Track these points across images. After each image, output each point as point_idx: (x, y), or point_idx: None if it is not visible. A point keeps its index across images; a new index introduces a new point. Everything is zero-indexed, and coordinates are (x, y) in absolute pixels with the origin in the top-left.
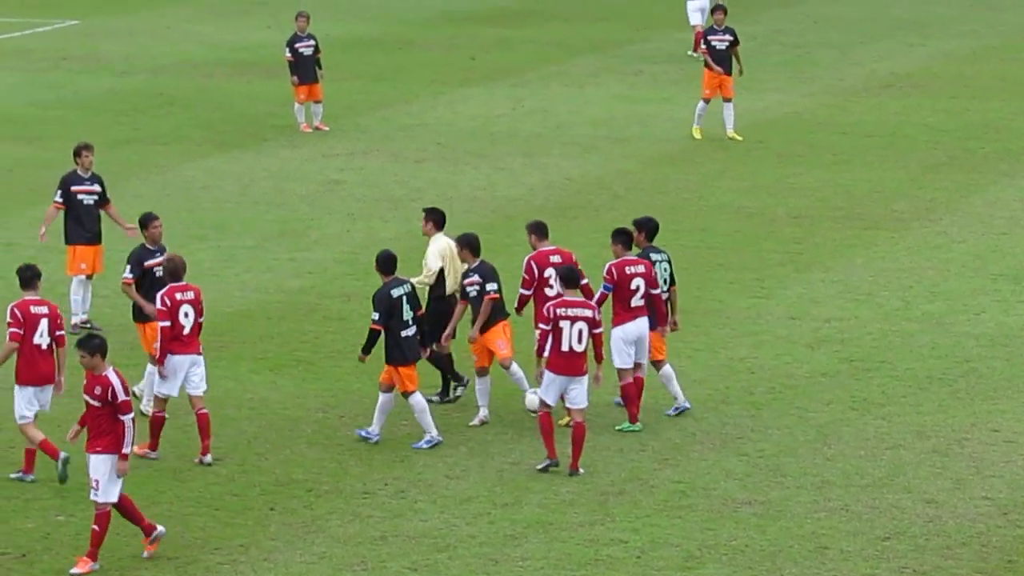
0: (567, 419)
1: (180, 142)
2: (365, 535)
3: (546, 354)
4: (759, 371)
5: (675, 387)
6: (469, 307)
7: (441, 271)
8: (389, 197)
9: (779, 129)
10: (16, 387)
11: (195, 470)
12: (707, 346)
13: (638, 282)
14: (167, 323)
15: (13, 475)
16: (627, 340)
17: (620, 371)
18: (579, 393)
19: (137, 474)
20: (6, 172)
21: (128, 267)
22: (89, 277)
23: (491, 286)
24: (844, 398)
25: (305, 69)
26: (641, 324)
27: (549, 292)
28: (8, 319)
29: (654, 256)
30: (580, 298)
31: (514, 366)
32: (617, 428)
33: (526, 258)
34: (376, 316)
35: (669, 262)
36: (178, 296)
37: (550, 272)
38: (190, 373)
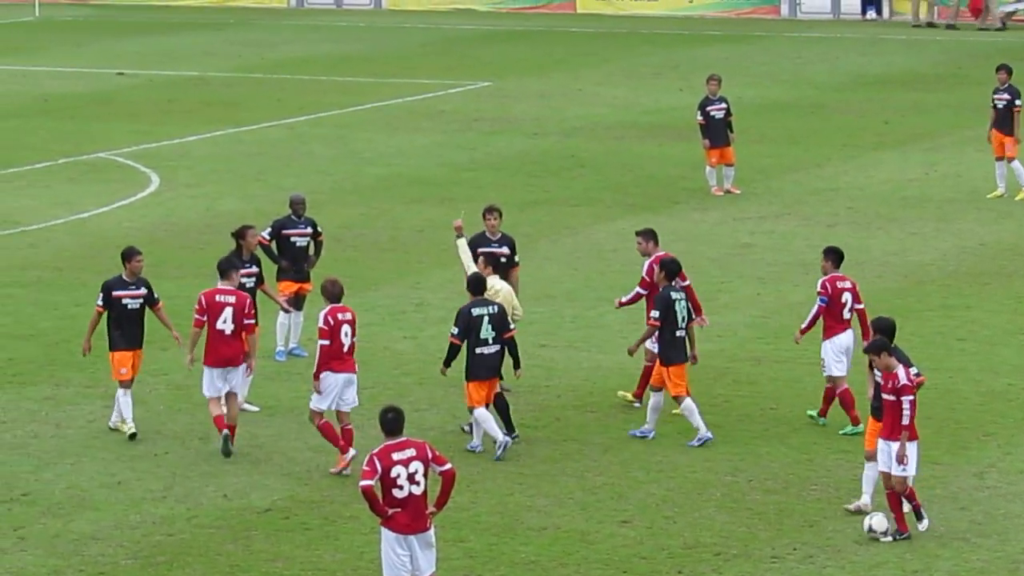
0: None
1: (590, 204)
2: None
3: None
4: None
5: (697, 419)
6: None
7: None
8: (800, 261)
9: None
10: (204, 367)
11: (603, 532)
12: None
13: (846, 296)
14: (327, 342)
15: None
16: (838, 350)
17: (836, 379)
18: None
19: (543, 536)
20: (417, 233)
21: (100, 295)
22: None
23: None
24: None
25: (716, 132)
26: (852, 335)
27: None
28: (195, 306)
29: (674, 295)
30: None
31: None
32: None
33: (647, 261)
34: (455, 331)
35: (685, 300)
36: (339, 316)
37: None
38: (344, 391)
